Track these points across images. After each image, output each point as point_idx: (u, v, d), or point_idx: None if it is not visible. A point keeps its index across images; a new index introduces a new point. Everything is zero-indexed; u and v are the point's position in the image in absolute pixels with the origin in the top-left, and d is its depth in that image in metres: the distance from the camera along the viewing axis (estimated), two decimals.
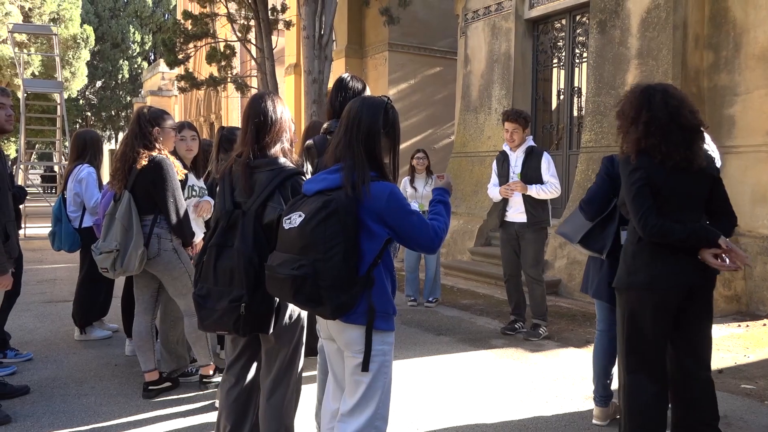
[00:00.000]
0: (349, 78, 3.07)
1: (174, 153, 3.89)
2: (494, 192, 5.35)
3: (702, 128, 2.58)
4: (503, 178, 5.29)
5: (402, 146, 14.21)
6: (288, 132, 2.63)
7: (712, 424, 2.69)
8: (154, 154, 3.57)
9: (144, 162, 3.51)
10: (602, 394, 3.40)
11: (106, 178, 4.84)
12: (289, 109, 2.75)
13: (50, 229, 5.01)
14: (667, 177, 2.53)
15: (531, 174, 5.11)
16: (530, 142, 5.25)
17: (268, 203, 2.47)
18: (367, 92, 3.02)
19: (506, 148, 5.33)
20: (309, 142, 3.03)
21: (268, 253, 2.30)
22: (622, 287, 2.69)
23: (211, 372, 3.87)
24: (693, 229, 2.52)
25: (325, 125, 3.03)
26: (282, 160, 2.56)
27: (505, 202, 5.27)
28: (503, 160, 5.33)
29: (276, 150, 2.57)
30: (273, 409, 2.60)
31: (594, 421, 3.44)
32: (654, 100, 2.56)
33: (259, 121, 2.54)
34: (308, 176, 2.74)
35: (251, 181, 2.50)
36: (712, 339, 2.75)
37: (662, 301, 2.59)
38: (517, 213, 5.19)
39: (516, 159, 5.22)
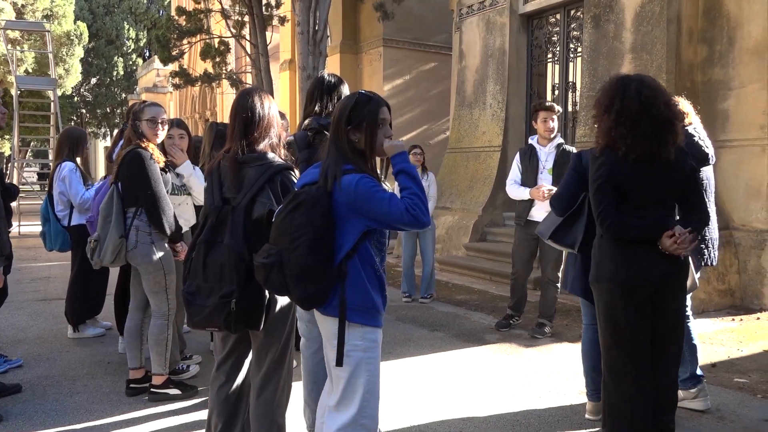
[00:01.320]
0: (326, 75, 3.10)
1: (160, 146, 3.82)
2: (517, 191, 5.07)
3: (675, 121, 2.53)
4: (531, 173, 5.02)
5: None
6: (276, 127, 2.62)
7: (667, 416, 2.68)
8: (140, 148, 3.57)
9: (120, 156, 3.59)
10: (593, 388, 3.40)
11: (99, 173, 4.81)
12: (277, 105, 2.75)
13: (41, 229, 4.99)
14: (630, 171, 2.50)
15: (564, 173, 4.91)
16: (560, 138, 5.09)
17: (258, 198, 2.46)
18: (345, 87, 3.03)
19: (533, 141, 5.13)
20: (290, 138, 3.06)
21: (258, 248, 2.30)
22: (593, 281, 2.70)
23: (160, 383, 3.68)
24: (650, 224, 2.50)
25: (305, 122, 3.03)
26: (270, 155, 2.55)
27: (531, 199, 5.03)
28: (530, 154, 5.08)
29: (264, 145, 2.55)
30: (263, 407, 2.59)
31: (587, 416, 3.44)
32: (628, 89, 2.53)
33: (246, 116, 2.53)
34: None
35: (240, 177, 2.50)
36: (683, 335, 2.70)
37: (630, 293, 2.55)
38: (542, 212, 4.88)
39: (547, 155, 5.01)
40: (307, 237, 2.08)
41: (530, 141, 5.22)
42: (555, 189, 4.77)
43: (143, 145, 3.58)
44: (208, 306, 2.41)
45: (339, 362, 2.17)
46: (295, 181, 2.55)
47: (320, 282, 2.12)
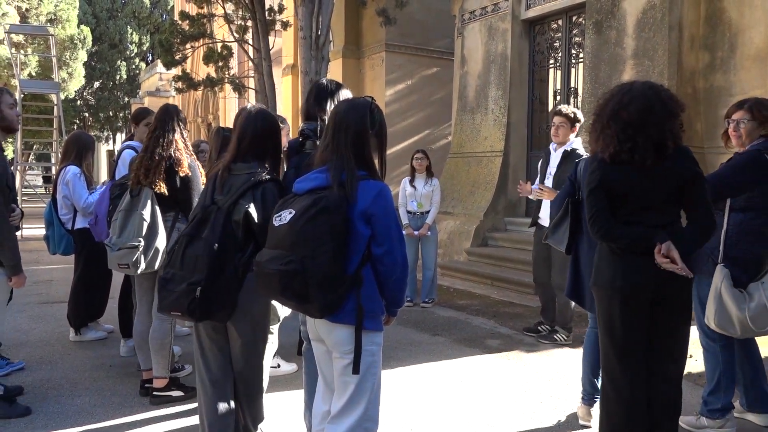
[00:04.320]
0: (325, 82, 3.06)
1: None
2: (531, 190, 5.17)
3: (649, 126, 2.42)
4: (540, 175, 5.15)
5: (400, 146, 14.17)
6: (270, 143, 2.76)
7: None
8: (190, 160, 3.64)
9: (186, 170, 3.56)
10: (589, 392, 3.40)
11: (101, 177, 4.81)
12: (279, 111, 2.80)
13: (44, 233, 5.01)
14: (619, 175, 2.49)
15: (563, 178, 4.79)
16: (574, 144, 4.97)
17: (239, 201, 2.57)
18: (345, 92, 2.97)
19: (552, 146, 5.15)
20: (285, 144, 3.09)
21: (235, 247, 2.48)
22: (593, 286, 2.69)
23: (163, 385, 3.69)
24: (636, 235, 2.47)
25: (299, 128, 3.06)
26: (258, 166, 2.67)
27: (539, 202, 5.11)
28: (545, 158, 5.18)
29: (254, 157, 2.69)
30: (242, 405, 2.75)
31: (580, 421, 3.45)
32: (615, 95, 2.53)
33: (240, 133, 2.71)
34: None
35: (229, 183, 2.64)
36: (686, 345, 2.62)
37: (626, 300, 2.53)
38: (546, 216, 4.97)
39: (555, 159, 5.04)
40: (332, 244, 2.07)
41: (550, 145, 5.23)
42: (542, 189, 4.86)
43: (185, 151, 3.66)
44: (177, 291, 2.50)
45: (356, 370, 2.17)
46: (277, 190, 2.64)
47: (339, 290, 2.11)
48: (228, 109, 21.30)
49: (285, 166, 3.12)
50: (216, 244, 2.47)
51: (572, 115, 4.99)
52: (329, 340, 2.24)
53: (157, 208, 3.52)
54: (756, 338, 3.30)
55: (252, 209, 2.53)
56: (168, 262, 2.62)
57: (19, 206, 3.82)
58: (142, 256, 3.47)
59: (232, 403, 2.77)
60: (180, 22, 14.02)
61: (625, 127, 2.44)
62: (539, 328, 5.28)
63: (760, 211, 3.08)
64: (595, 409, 3.36)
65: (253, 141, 2.69)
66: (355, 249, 2.15)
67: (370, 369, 2.21)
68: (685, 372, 2.73)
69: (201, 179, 3.63)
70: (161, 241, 3.51)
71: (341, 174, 2.16)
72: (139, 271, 3.54)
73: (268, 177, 2.63)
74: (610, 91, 2.60)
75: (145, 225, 3.47)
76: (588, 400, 3.41)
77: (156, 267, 3.52)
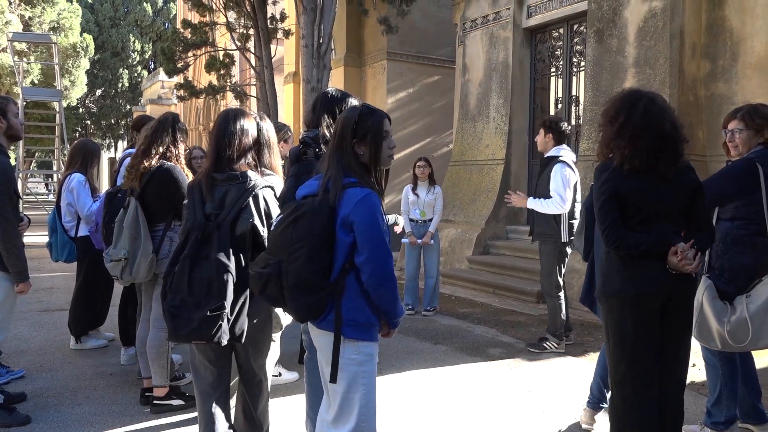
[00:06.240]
0: (332, 91, 3.03)
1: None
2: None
3: (678, 140, 2.49)
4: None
5: (401, 154, 14.17)
6: (256, 148, 2.70)
7: None
8: (169, 163, 3.60)
9: (148, 165, 3.51)
10: (596, 397, 3.38)
11: (103, 184, 4.81)
12: (278, 117, 2.77)
13: (47, 240, 5.00)
14: (632, 185, 2.49)
15: (540, 185, 4.98)
16: (554, 152, 4.96)
17: (241, 215, 2.52)
18: (352, 100, 2.93)
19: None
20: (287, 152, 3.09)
21: (242, 263, 2.44)
22: (600, 295, 2.67)
23: (163, 394, 3.68)
24: (653, 239, 2.47)
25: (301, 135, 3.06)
26: (251, 173, 2.61)
27: (533, 212, 5.08)
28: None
29: (241, 164, 2.63)
30: (249, 413, 2.71)
31: (583, 425, 3.43)
32: (637, 104, 2.52)
33: (220, 138, 2.62)
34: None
35: (221, 195, 2.56)
36: (690, 349, 2.63)
37: (637, 307, 2.52)
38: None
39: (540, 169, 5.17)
40: (306, 249, 2.08)
41: None
42: (518, 194, 4.96)
43: (175, 162, 3.64)
44: (196, 319, 2.42)
45: (333, 379, 2.16)
46: (275, 198, 2.63)
47: (316, 294, 2.12)
48: None
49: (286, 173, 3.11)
50: (229, 264, 2.42)
51: (547, 124, 5.06)
52: (317, 345, 2.28)
53: (142, 220, 3.51)
54: (753, 352, 3.26)
55: (257, 222, 2.50)
56: (170, 286, 2.50)
57: (22, 213, 3.82)
58: (128, 269, 3.50)
59: (230, 413, 2.75)
60: (182, 30, 14.07)
61: (657, 140, 2.46)
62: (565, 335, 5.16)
63: (750, 220, 3.03)
64: (599, 415, 3.35)
65: (231, 145, 2.59)
66: (339, 255, 2.15)
67: (357, 380, 2.17)
68: (688, 381, 2.73)
69: (187, 182, 3.59)
70: (146, 252, 3.49)
71: (328, 181, 2.17)
72: (126, 283, 3.59)
73: (262, 184, 2.59)
74: (627, 98, 2.58)
75: (130, 236, 3.48)
76: (593, 404, 3.39)
77: (143, 278, 3.52)
